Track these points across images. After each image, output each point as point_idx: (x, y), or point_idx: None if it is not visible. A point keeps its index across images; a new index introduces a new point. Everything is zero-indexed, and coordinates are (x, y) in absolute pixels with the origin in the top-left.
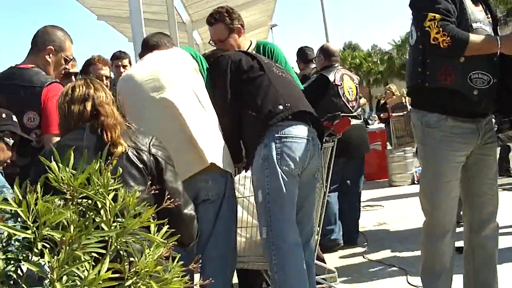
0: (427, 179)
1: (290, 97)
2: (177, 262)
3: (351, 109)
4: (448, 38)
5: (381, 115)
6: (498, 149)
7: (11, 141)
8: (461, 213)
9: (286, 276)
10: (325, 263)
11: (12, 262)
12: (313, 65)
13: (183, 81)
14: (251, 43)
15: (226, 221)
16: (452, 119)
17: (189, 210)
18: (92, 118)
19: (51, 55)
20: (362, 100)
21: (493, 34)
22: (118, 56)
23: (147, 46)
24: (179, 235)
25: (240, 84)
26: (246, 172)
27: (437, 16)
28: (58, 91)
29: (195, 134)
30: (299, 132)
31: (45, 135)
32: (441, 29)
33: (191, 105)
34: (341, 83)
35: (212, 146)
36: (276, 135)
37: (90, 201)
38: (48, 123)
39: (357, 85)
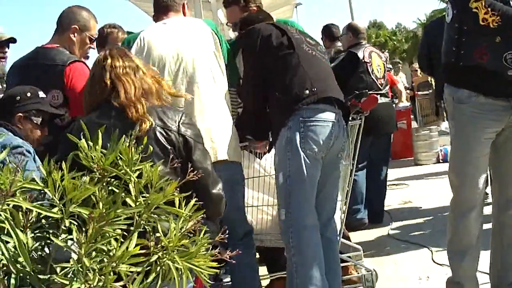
0: (456, 155)
1: (318, 80)
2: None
3: (380, 86)
4: (498, 17)
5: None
6: None
7: (39, 120)
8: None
9: (303, 259)
10: (350, 241)
11: (41, 241)
12: (339, 43)
13: (208, 67)
14: None
15: (242, 208)
16: (484, 96)
17: (217, 190)
18: (113, 92)
19: (75, 34)
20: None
21: None
22: None
23: (160, 7)
24: (206, 211)
25: (268, 61)
26: (269, 152)
27: None
28: (82, 70)
29: (213, 131)
30: (325, 115)
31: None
32: (489, 9)
33: (212, 95)
34: (369, 61)
35: (226, 140)
36: (301, 118)
37: (118, 181)
38: (78, 105)
39: (385, 63)
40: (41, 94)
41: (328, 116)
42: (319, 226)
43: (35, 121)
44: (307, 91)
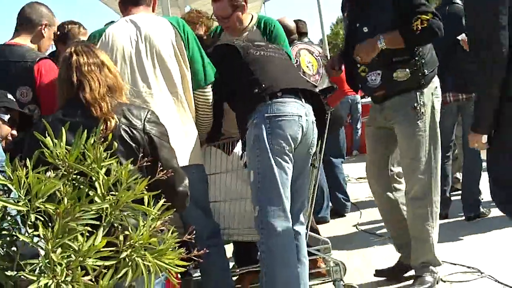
0: None
1: (269, 77)
2: (172, 233)
3: (314, 83)
4: None
5: None
6: None
7: (6, 116)
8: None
9: (273, 256)
10: (319, 234)
11: (7, 237)
12: (306, 39)
13: (167, 68)
14: (252, 17)
15: (206, 208)
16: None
17: (183, 187)
18: (79, 90)
19: (46, 29)
20: None
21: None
22: None
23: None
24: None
25: (224, 74)
26: (243, 152)
27: None
28: (51, 66)
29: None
30: (290, 109)
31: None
32: None
33: (167, 97)
34: (297, 60)
35: (182, 149)
36: (266, 114)
37: (84, 177)
38: (48, 101)
39: (318, 57)
40: (10, 96)
41: (293, 110)
42: (291, 222)
43: (3, 118)
44: (256, 90)
